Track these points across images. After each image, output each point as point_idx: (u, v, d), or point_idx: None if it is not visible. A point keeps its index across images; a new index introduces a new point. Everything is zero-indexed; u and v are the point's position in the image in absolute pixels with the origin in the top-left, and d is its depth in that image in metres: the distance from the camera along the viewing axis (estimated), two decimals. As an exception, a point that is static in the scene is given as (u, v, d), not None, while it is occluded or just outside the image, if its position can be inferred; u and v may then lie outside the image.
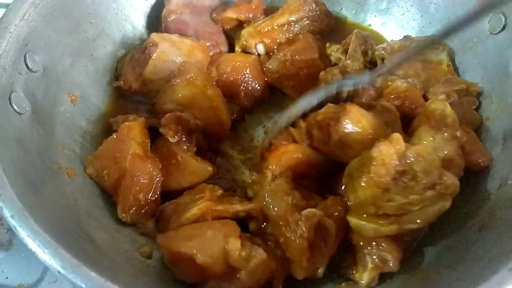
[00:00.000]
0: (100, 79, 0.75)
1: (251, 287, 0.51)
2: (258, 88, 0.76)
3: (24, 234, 0.40)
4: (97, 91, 0.74)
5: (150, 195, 0.62)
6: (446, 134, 0.54)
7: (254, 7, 0.82)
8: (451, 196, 0.51)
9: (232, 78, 0.75)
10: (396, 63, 0.62)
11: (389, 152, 0.51)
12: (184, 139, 0.66)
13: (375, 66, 0.74)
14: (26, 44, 0.59)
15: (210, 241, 0.51)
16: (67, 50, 0.68)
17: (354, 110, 0.58)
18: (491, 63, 0.67)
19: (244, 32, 0.80)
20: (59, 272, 0.38)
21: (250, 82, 0.76)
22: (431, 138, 0.53)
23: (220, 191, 0.61)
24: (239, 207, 0.57)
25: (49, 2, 0.64)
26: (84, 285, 0.37)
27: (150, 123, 0.67)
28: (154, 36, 0.72)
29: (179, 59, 0.72)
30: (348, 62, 0.73)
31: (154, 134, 0.67)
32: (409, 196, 0.50)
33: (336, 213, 0.55)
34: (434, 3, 0.77)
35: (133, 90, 0.73)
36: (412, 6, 0.80)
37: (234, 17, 0.82)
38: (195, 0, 0.82)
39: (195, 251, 0.49)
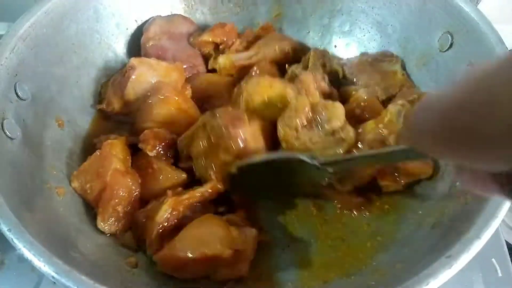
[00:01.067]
0: (85, 103, 0.80)
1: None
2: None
3: (20, 245, 0.45)
4: (82, 115, 0.79)
5: (128, 208, 0.67)
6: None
7: (228, 31, 0.88)
8: (347, 144, 0.65)
9: (206, 96, 0.81)
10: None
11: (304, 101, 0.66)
12: (162, 153, 0.71)
13: (335, 78, 0.81)
14: (16, 75, 0.64)
15: (208, 235, 0.59)
16: (54, 78, 0.73)
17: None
18: (441, 77, 0.74)
19: (221, 61, 0.86)
20: (53, 277, 0.43)
21: (222, 100, 0.80)
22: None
23: (180, 188, 0.67)
24: (201, 188, 0.64)
25: (36, 35, 0.69)
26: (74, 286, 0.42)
27: (131, 141, 0.72)
28: (133, 60, 0.77)
29: (155, 79, 0.76)
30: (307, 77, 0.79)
31: (135, 151, 0.72)
32: (312, 137, 0.65)
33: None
34: (391, 25, 0.84)
35: (116, 111, 0.78)
36: (372, 27, 0.87)
37: (210, 40, 0.88)
38: (173, 28, 0.87)
39: (202, 248, 0.57)
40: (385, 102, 0.75)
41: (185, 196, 0.63)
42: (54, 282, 0.51)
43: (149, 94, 0.75)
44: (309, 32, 0.94)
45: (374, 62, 0.82)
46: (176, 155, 0.72)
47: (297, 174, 0.63)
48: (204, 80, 0.84)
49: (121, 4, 0.85)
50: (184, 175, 0.70)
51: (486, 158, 0.24)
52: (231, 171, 0.64)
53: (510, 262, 0.75)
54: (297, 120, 0.66)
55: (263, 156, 0.65)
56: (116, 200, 0.66)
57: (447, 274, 0.43)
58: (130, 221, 0.67)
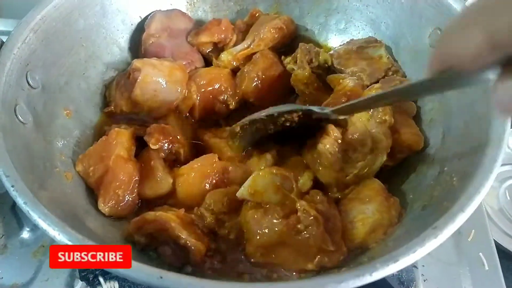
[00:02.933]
0: (91, 95, 0.83)
1: None
2: (234, 95, 0.86)
3: (36, 216, 0.48)
4: (89, 106, 0.82)
5: (128, 192, 0.70)
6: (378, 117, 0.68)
7: (224, 29, 0.92)
8: (385, 151, 0.68)
9: (210, 88, 0.84)
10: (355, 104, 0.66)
11: (330, 142, 0.65)
12: (164, 148, 0.74)
13: (324, 70, 0.86)
14: (27, 64, 0.68)
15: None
16: (62, 69, 0.77)
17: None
18: (432, 71, 0.78)
19: (224, 58, 0.90)
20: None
21: (226, 91, 0.85)
22: (365, 119, 0.67)
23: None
24: None
25: (46, 27, 0.72)
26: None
27: (138, 133, 0.76)
28: (136, 62, 0.80)
29: (161, 79, 0.80)
30: (299, 71, 0.84)
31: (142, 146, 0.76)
32: (356, 165, 0.66)
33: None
34: (384, 22, 0.88)
35: (124, 112, 0.82)
36: (366, 25, 0.92)
37: (209, 40, 0.91)
38: (172, 24, 0.92)
39: None
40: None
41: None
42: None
43: (156, 93, 0.79)
44: (307, 29, 0.98)
45: (359, 50, 0.86)
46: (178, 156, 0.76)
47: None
48: (206, 75, 0.87)
49: (126, 1, 0.89)
50: (167, 186, 0.71)
51: None
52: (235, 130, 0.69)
53: (497, 257, 0.80)
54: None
55: (275, 108, 0.68)
56: (117, 183, 0.69)
57: (433, 243, 0.46)
58: (130, 208, 0.70)
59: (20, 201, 0.49)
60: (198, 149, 0.81)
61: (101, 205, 0.68)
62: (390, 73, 0.83)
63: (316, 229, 0.57)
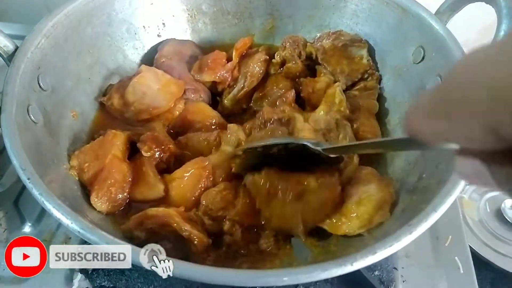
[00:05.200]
0: (96, 99, 0.89)
1: None
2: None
3: (50, 206, 0.53)
4: (93, 109, 0.88)
5: (119, 191, 0.73)
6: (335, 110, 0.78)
7: (225, 70, 0.94)
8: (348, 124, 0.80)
9: (189, 117, 0.88)
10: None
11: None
12: (156, 156, 0.77)
13: (311, 60, 0.94)
14: (39, 68, 0.72)
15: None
16: (70, 74, 0.82)
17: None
18: (414, 87, 0.84)
19: (227, 104, 0.94)
20: (79, 232, 0.51)
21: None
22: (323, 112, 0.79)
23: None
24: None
25: (57, 34, 0.77)
26: (99, 240, 0.50)
27: (131, 138, 0.80)
28: (143, 66, 0.86)
29: (154, 85, 0.85)
30: (291, 65, 0.91)
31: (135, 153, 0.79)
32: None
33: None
34: (372, 39, 0.94)
35: (114, 107, 0.86)
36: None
37: (211, 80, 0.95)
38: (184, 50, 0.98)
39: None
40: (348, 88, 0.90)
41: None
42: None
43: (146, 96, 0.84)
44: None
45: (343, 48, 0.92)
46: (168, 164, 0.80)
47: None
48: (195, 107, 0.90)
49: (131, 12, 0.94)
50: (158, 193, 0.74)
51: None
52: (237, 153, 0.72)
53: (472, 262, 0.85)
54: None
55: (270, 140, 0.71)
56: (112, 181, 0.72)
57: (408, 238, 0.52)
58: (120, 205, 0.74)
59: (35, 193, 0.54)
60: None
61: (94, 200, 0.71)
62: (366, 75, 0.91)
63: None
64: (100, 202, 0.71)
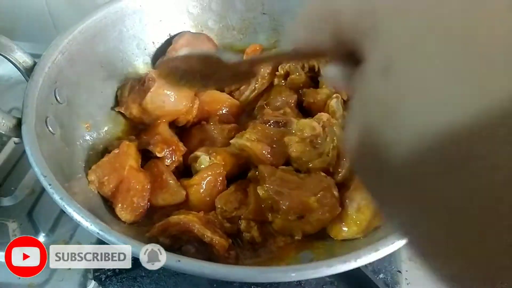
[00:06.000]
0: (108, 111, 0.92)
1: None
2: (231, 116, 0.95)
3: (71, 209, 0.56)
4: (106, 121, 0.91)
5: (140, 200, 0.77)
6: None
7: None
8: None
9: (206, 108, 0.94)
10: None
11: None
12: (168, 156, 0.82)
13: (314, 72, 0.97)
14: (56, 82, 0.77)
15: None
16: (84, 88, 0.86)
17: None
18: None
19: (243, 99, 0.98)
20: (98, 233, 0.54)
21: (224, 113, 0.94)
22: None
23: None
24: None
25: (72, 50, 0.81)
26: (117, 241, 0.53)
27: (140, 146, 0.84)
28: (153, 72, 0.89)
29: (172, 93, 0.88)
30: (295, 76, 0.96)
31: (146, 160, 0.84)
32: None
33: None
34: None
35: (133, 116, 0.91)
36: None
37: None
38: (197, 43, 1.01)
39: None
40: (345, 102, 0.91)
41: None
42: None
43: (165, 104, 0.88)
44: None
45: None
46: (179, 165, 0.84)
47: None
48: (210, 96, 0.95)
49: (141, 28, 0.99)
50: (181, 198, 0.78)
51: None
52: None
53: None
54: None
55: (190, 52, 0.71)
56: (133, 192, 0.76)
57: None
58: (142, 214, 0.77)
59: (56, 197, 0.57)
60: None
61: (120, 212, 0.74)
62: None
63: None
64: (124, 212, 0.75)
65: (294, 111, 0.91)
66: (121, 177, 0.77)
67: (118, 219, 0.75)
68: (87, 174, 0.78)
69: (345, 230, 0.73)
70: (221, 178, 0.79)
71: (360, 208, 0.74)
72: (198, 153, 0.83)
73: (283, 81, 0.99)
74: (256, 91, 0.98)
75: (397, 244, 0.54)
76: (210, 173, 0.79)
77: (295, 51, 0.37)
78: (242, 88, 1.00)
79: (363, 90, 0.25)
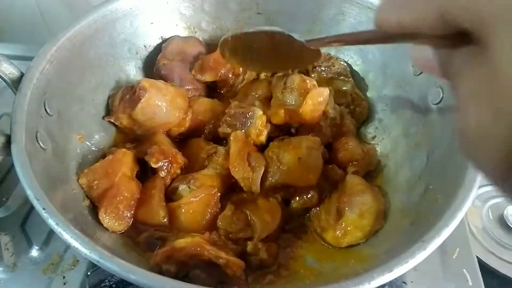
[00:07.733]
0: (100, 120, 0.89)
1: None
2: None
3: (68, 236, 0.53)
4: (98, 131, 0.87)
5: (127, 208, 0.74)
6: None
7: (226, 70, 0.96)
8: None
9: (200, 118, 0.90)
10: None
11: None
12: (165, 168, 0.79)
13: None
14: (45, 94, 0.73)
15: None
16: (74, 98, 0.82)
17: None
18: (415, 97, 0.86)
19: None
20: (98, 261, 0.51)
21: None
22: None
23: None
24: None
25: (61, 58, 0.77)
26: (118, 269, 0.50)
27: (138, 156, 0.81)
28: (144, 81, 0.85)
29: (163, 103, 0.85)
30: None
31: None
32: None
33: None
34: (371, 52, 0.96)
35: (123, 126, 0.87)
36: (355, 54, 0.99)
37: (212, 79, 0.96)
38: (187, 49, 0.98)
39: None
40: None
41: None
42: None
43: (156, 115, 0.84)
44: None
45: (330, 80, 0.96)
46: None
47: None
48: (203, 105, 0.92)
49: (132, 32, 0.95)
50: (158, 219, 0.74)
51: None
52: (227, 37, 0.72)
53: (480, 273, 0.85)
54: None
55: (259, 27, 0.69)
56: (120, 198, 0.73)
57: (423, 254, 0.53)
58: (126, 224, 0.73)
59: (52, 223, 0.54)
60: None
61: (102, 216, 0.71)
62: (352, 106, 0.95)
63: None
64: (107, 218, 0.71)
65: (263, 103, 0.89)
66: (111, 183, 0.74)
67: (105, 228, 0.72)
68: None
69: (349, 238, 0.73)
70: (215, 201, 0.76)
71: (362, 214, 0.73)
72: (175, 184, 0.80)
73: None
74: (244, 82, 0.97)
75: (411, 263, 0.52)
76: (203, 193, 0.76)
77: (381, 33, 0.37)
78: (232, 84, 0.98)
79: (491, 74, 0.25)
